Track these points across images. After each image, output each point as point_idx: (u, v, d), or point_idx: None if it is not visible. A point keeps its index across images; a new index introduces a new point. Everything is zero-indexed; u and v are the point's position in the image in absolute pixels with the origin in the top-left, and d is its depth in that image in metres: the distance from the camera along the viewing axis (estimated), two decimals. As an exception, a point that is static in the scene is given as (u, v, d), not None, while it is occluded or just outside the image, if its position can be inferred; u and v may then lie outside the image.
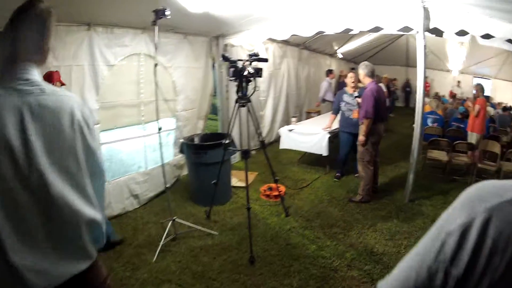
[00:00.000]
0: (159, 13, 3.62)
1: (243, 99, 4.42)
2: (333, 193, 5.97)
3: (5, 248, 1.31)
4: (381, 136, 5.57)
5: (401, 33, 5.71)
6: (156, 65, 3.96)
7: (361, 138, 5.38)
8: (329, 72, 10.66)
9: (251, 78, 4.38)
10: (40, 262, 1.40)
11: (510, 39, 4.42)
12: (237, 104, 4.48)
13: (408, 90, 18.00)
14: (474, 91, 7.94)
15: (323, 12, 5.44)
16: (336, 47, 12.52)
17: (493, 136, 7.92)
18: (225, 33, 6.62)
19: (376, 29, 5.43)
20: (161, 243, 4.15)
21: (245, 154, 4.44)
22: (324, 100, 10.43)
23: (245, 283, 3.64)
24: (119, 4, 4.20)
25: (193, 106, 6.56)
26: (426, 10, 4.72)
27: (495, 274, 0.63)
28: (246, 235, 4.25)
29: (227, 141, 4.76)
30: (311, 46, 10.90)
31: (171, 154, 6.15)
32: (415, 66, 5.21)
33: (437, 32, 5.01)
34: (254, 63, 4.40)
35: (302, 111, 10.97)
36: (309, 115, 10.52)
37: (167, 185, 4.41)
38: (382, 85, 9.65)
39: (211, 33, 6.62)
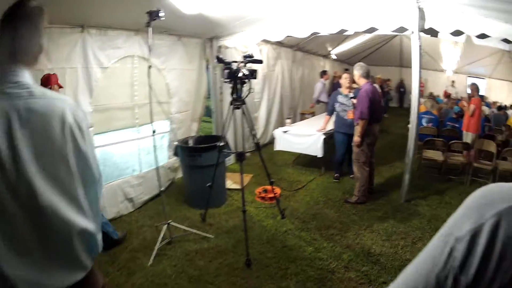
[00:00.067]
0: (153, 15, 3.59)
1: (238, 101, 4.40)
2: (328, 195, 5.95)
3: None
4: (376, 137, 5.57)
5: (396, 33, 5.71)
6: (150, 67, 3.92)
7: (356, 139, 5.37)
8: (323, 73, 10.66)
9: (246, 80, 4.35)
10: (32, 273, 1.36)
11: (506, 39, 4.41)
12: (231, 106, 4.45)
13: (402, 90, 18.09)
14: (469, 91, 7.95)
15: (317, 13, 5.43)
16: (330, 48, 12.55)
17: (488, 135, 7.97)
18: (219, 35, 6.60)
19: (371, 29, 5.43)
20: (157, 247, 4.11)
21: (240, 156, 4.42)
22: (318, 101, 10.43)
23: (242, 286, 3.61)
24: (113, 5, 4.16)
25: (187, 108, 6.53)
26: (421, 11, 4.72)
27: (504, 279, 0.62)
28: (242, 238, 4.22)
29: (221, 144, 4.74)
30: (305, 48, 10.90)
31: (165, 157, 6.12)
32: (409, 67, 5.21)
33: (432, 32, 5.02)
34: (249, 65, 4.38)
35: (296, 112, 10.97)
36: (303, 116, 10.53)
37: (162, 188, 4.38)
38: (376, 85, 9.68)
39: (205, 35, 6.60)
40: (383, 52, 15.57)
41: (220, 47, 6.77)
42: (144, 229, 4.78)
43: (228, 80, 4.30)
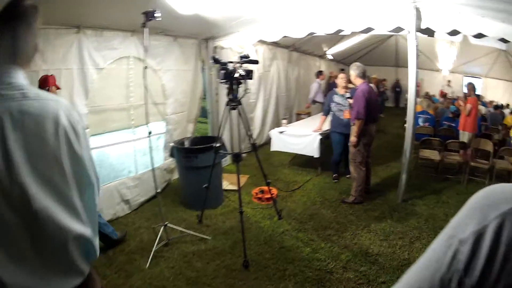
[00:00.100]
0: (149, 15, 3.57)
1: (234, 101, 4.38)
2: (325, 195, 5.95)
3: None
4: (373, 137, 5.56)
5: (393, 33, 5.72)
6: (146, 67, 3.90)
7: (353, 139, 5.36)
8: (319, 73, 10.70)
9: (242, 80, 4.33)
10: (30, 279, 1.34)
11: (503, 38, 4.41)
12: (227, 107, 4.44)
13: (398, 90, 18.16)
14: (466, 90, 7.97)
15: (314, 13, 5.43)
16: (325, 49, 12.56)
17: (485, 134, 8.00)
18: (215, 35, 6.58)
19: (368, 29, 5.43)
20: (154, 249, 4.08)
21: (237, 157, 4.41)
22: (314, 102, 10.46)
23: (240, 288, 3.60)
24: (109, 6, 4.14)
25: (183, 109, 6.51)
26: (417, 10, 4.73)
27: (509, 280, 0.61)
28: (239, 239, 4.20)
29: (217, 145, 4.72)
30: (301, 48, 10.92)
31: (161, 158, 6.09)
32: (405, 66, 5.23)
33: (429, 32, 5.02)
34: (245, 65, 4.36)
35: (292, 113, 10.97)
36: (299, 116, 10.53)
37: (158, 190, 4.35)
38: (372, 85, 9.70)
39: (201, 35, 6.59)
40: (378, 52, 15.64)
41: (215, 47, 6.76)
42: (141, 231, 4.76)
43: (224, 80, 4.28)
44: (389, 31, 5.32)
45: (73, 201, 1.45)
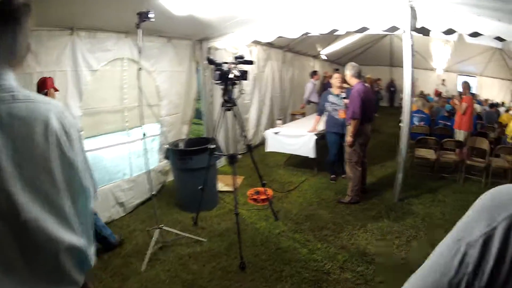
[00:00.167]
0: (143, 16, 3.54)
1: (229, 102, 4.36)
2: (321, 195, 5.94)
3: None
4: (368, 137, 5.57)
5: (388, 33, 5.71)
6: (140, 69, 3.88)
7: (348, 139, 5.36)
8: (314, 73, 10.68)
9: (237, 81, 4.31)
10: None
11: (499, 37, 4.41)
12: (222, 108, 4.42)
13: (392, 89, 18.21)
14: (461, 89, 7.98)
15: (308, 13, 5.41)
16: (319, 49, 12.54)
17: (480, 132, 8.02)
18: (209, 36, 6.55)
19: (363, 29, 5.43)
20: (149, 251, 4.05)
21: (232, 158, 4.40)
22: (309, 102, 10.46)
23: (236, 290, 3.58)
24: (102, 7, 4.10)
25: (177, 111, 6.49)
26: (413, 9, 4.72)
27: None
28: (235, 241, 4.20)
29: (212, 146, 4.70)
30: (295, 48, 10.90)
31: (156, 160, 6.06)
32: (400, 66, 5.22)
33: (424, 31, 5.02)
34: (239, 66, 4.34)
35: (286, 113, 10.96)
36: (294, 117, 10.53)
37: (153, 192, 4.33)
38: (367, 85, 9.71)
39: (195, 36, 6.56)
40: (373, 52, 15.66)
41: (210, 48, 6.72)
42: (136, 233, 4.73)
43: (219, 81, 4.26)
44: (384, 31, 5.32)
45: (65, 210, 1.38)
